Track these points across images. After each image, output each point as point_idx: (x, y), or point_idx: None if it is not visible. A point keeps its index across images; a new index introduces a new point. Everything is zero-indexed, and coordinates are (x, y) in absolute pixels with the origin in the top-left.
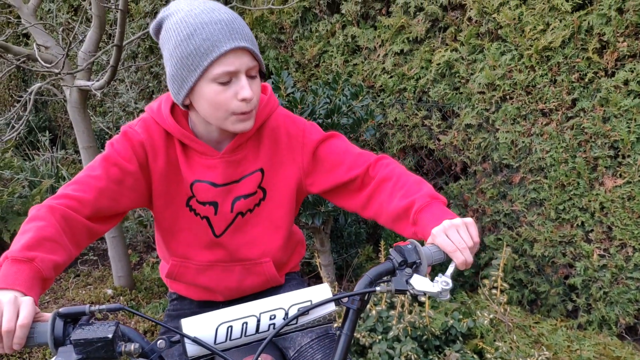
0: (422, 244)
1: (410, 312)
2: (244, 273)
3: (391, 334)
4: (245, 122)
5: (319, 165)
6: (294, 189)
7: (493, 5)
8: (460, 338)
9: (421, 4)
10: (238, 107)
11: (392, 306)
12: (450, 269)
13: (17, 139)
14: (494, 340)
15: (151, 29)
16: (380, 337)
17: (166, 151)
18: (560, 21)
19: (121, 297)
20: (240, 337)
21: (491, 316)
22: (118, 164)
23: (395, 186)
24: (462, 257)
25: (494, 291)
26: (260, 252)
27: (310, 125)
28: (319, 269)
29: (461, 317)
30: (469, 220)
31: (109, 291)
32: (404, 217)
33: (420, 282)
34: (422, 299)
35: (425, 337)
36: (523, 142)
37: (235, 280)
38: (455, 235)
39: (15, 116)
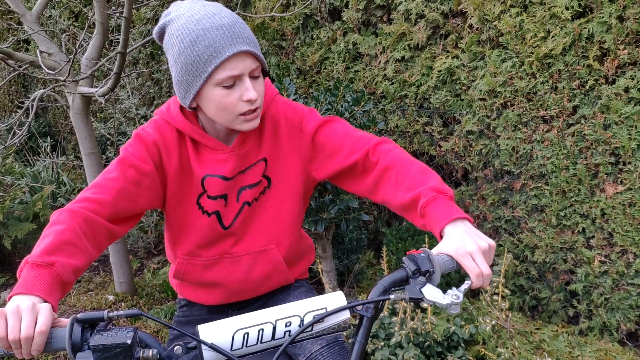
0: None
1: (412, 319)
2: (251, 263)
3: (393, 340)
4: (252, 121)
5: (319, 151)
6: (299, 176)
7: (494, 12)
8: (462, 344)
9: (422, 11)
10: (244, 108)
11: (394, 312)
12: (464, 286)
13: (18, 144)
14: (496, 347)
15: (154, 33)
16: (382, 343)
17: (179, 149)
18: (561, 29)
19: (122, 303)
20: (257, 343)
21: (493, 322)
22: (134, 166)
23: (399, 176)
24: (482, 282)
25: (495, 297)
26: (266, 240)
27: (309, 112)
28: (321, 275)
29: (463, 323)
30: (493, 244)
31: (111, 297)
32: (411, 208)
33: (431, 293)
34: (425, 305)
35: (427, 343)
36: (524, 148)
37: (242, 272)
38: (482, 262)
39: (17, 122)
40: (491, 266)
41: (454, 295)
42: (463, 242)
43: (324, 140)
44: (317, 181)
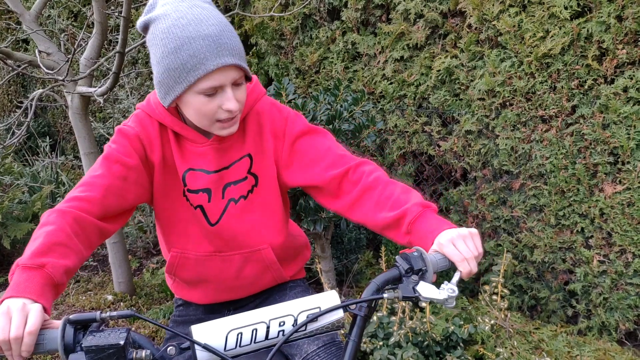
0: None
1: (411, 318)
2: (243, 262)
3: (392, 339)
4: (229, 127)
5: (296, 158)
6: (277, 177)
7: (493, 12)
8: (461, 344)
9: (421, 10)
10: (222, 116)
11: (393, 312)
12: (456, 277)
13: (17, 144)
14: (495, 346)
15: (138, 26)
16: (381, 343)
17: (161, 143)
18: (560, 28)
19: (121, 303)
20: (250, 343)
21: (492, 322)
22: (120, 161)
23: (382, 195)
24: (468, 267)
25: (494, 297)
26: (257, 240)
27: (295, 115)
28: (320, 274)
29: (462, 322)
30: (474, 230)
31: (109, 297)
32: (394, 226)
33: (426, 290)
34: (423, 304)
35: (426, 343)
36: (523, 148)
37: (234, 269)
38: (462, 246)
39: (16, 122)
40: (490, 266)
41: (450, 289)
42: (444, 235)
43: (305, 149)
44: (288, 187)
